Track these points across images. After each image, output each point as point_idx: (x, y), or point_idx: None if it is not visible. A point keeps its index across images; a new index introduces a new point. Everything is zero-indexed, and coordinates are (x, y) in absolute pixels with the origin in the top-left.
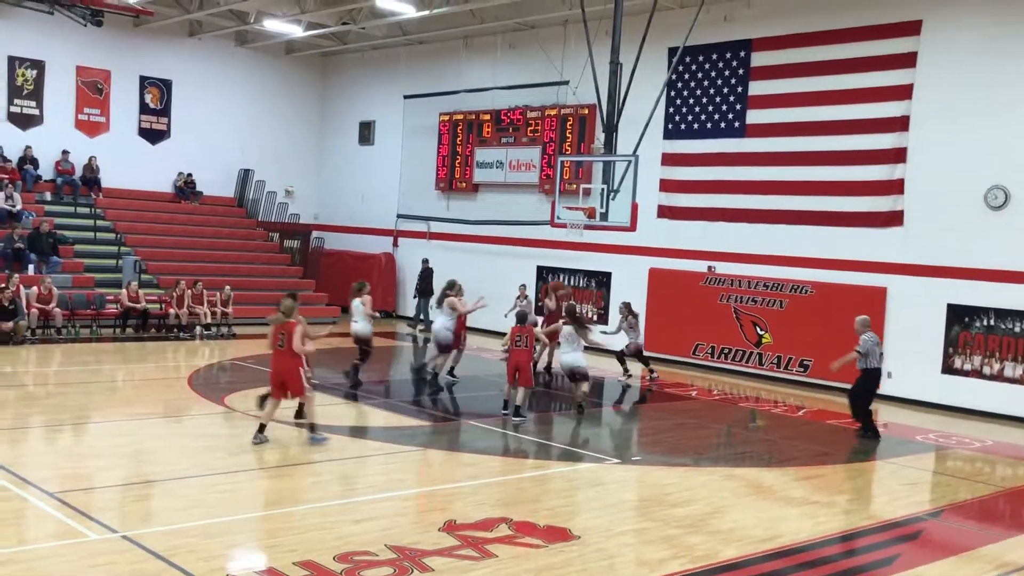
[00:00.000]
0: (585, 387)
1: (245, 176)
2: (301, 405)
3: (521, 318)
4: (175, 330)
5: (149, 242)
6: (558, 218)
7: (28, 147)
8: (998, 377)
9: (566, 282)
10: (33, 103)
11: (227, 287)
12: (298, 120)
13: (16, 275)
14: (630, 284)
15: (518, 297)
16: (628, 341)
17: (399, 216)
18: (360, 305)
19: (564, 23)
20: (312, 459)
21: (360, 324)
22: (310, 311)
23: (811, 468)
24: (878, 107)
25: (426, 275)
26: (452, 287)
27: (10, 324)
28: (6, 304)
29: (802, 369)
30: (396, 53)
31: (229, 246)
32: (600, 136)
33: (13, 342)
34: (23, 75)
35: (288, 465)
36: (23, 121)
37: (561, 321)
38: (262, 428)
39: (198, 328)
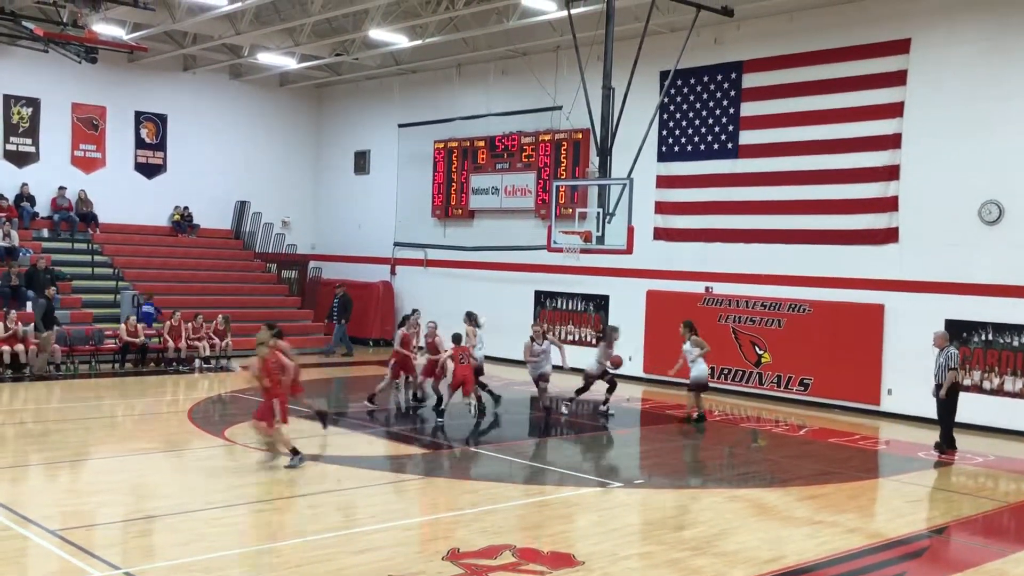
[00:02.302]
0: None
1: (242, 208)
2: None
3: (456, 339)
4: (174, 363)
5: (147, 276)
6: (554, 242)
7: (24, 184)
8: (998, 391)
9: (562, 306)
10: (29, 141)
11: (220, 316)
12: (293, 151)
13: (14, 312)
14: (628, 307)
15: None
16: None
17: (396, 244)
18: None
19: (556, 49)
20: (312, 490)
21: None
22: (309, 341)
23: (814, 487)
24: (870, 125)
25: (344, 302)
26: (616, 331)
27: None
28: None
29: (802, 388)
30: (390, 82)
31: (227, 278)
32: (594, 160)
33: (32, 376)
34: (19, 113)
35: (289, 497)
36: (19, 159)
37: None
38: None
39: (197, 361)
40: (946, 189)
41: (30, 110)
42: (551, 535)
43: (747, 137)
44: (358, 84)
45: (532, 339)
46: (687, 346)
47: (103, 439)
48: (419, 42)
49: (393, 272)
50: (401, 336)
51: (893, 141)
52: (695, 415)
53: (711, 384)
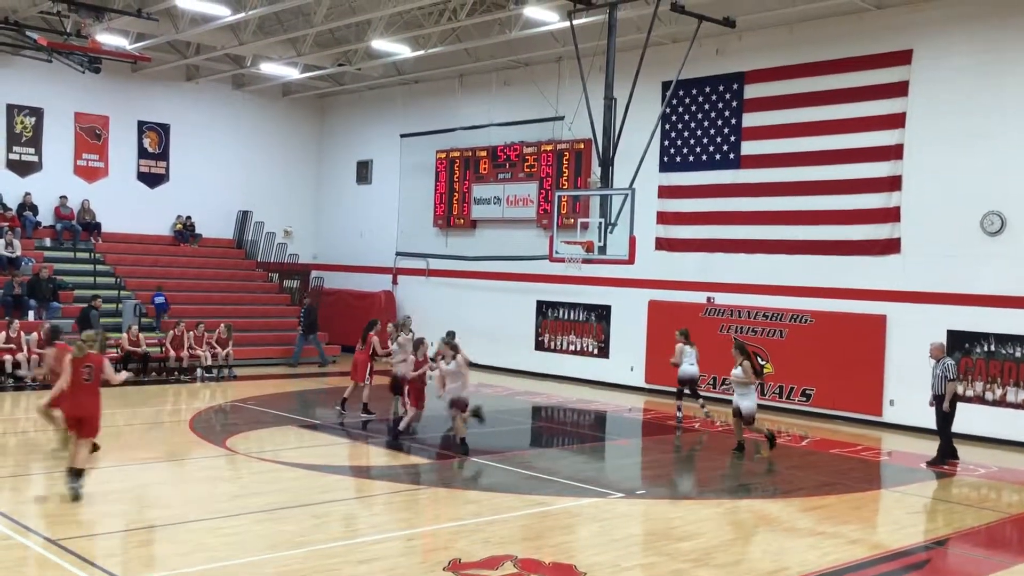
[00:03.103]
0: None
1: (244, 217)
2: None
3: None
4: (176, 373)
5: (149, 286)
6: (556, 252)
7: (27, 194)
8: (1000, 403)
9: (564, 316)
10: (32, 150)
11: (222, 325)
12: (296, 161)
13: (16, 321)
14: (629, 317)
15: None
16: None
17: (398, 254)
18: (692, 351)
19: (558, 60)
20: (314, 500)
21: (693, 367)
22: (311, 350)
23: (816, 498)
24: (872, 136)
25: (310, 312)
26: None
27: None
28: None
29: (804, 398)
30: (392, 93)
31: (229, 287)
32: (596, 170)
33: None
34: (22, 122)
35: (290, 507)
36: (22, 168)
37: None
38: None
39: (199, 370)
40: (948, 200)
41: (33, 119)
42: (553, 546)
43: (749, 148)
44: (360, 94)
45: (440, 356)
46: (738, 372)
47: (104, 448)
48: (421, 52)
49: (395, 282)
50: (371, 340)
51: (895, 152)
52: (738, 443)
53: (709, 393)
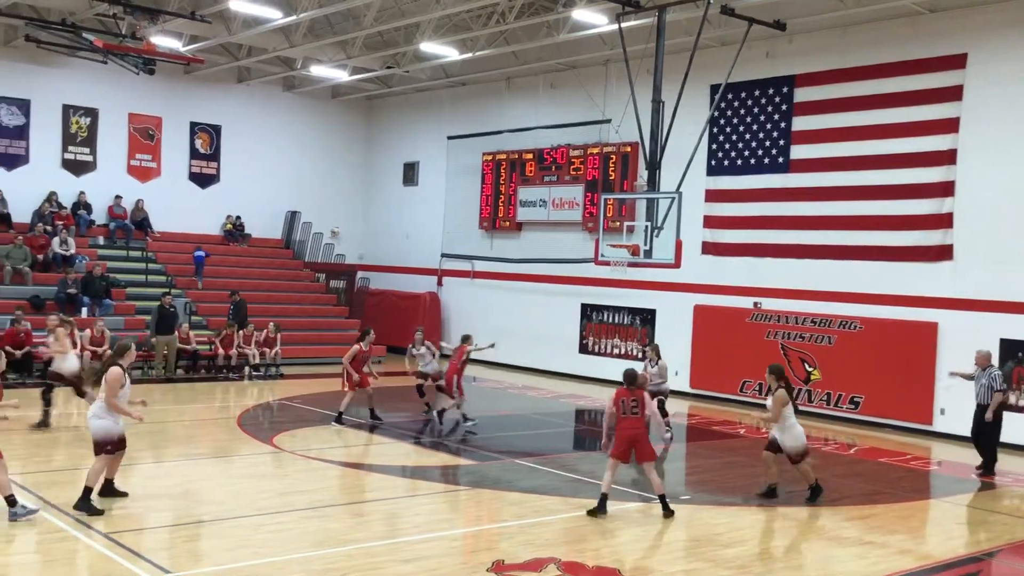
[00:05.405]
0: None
1: (292, 218)
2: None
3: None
4: (224, 371)
5: (200, 284)
6: (602, 256)
7: (82, 193)
8: None
9: (609, 320)
10: (87, 150)
11: (271, 324)
12: (344, 162)
13: (72, 318)
14: (675, 321)
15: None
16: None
17: (443, 256)
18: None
19: (605, 63)
20: (357, 499)
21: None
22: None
23: (863, 507)
24: (924, 141)
25: (239, 307)
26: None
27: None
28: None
29: (852, 406)
30: (439, 95)
31: (277, 287)
32: (643, 173)
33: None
34: (77, 123)
35: (334, 505)
36: (77, 167)
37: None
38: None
39: (247, 369)
40: (1002, 206)
41: (88, 120)
42: (595, 549)
43: (798, 152)
44: (408, 96)
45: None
46: (768, 403)
47: (154, 444)
48: (469, 55)
49: (440, 283)
50: (356, 352)
51: (948, 157)
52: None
53: (756, 400)
